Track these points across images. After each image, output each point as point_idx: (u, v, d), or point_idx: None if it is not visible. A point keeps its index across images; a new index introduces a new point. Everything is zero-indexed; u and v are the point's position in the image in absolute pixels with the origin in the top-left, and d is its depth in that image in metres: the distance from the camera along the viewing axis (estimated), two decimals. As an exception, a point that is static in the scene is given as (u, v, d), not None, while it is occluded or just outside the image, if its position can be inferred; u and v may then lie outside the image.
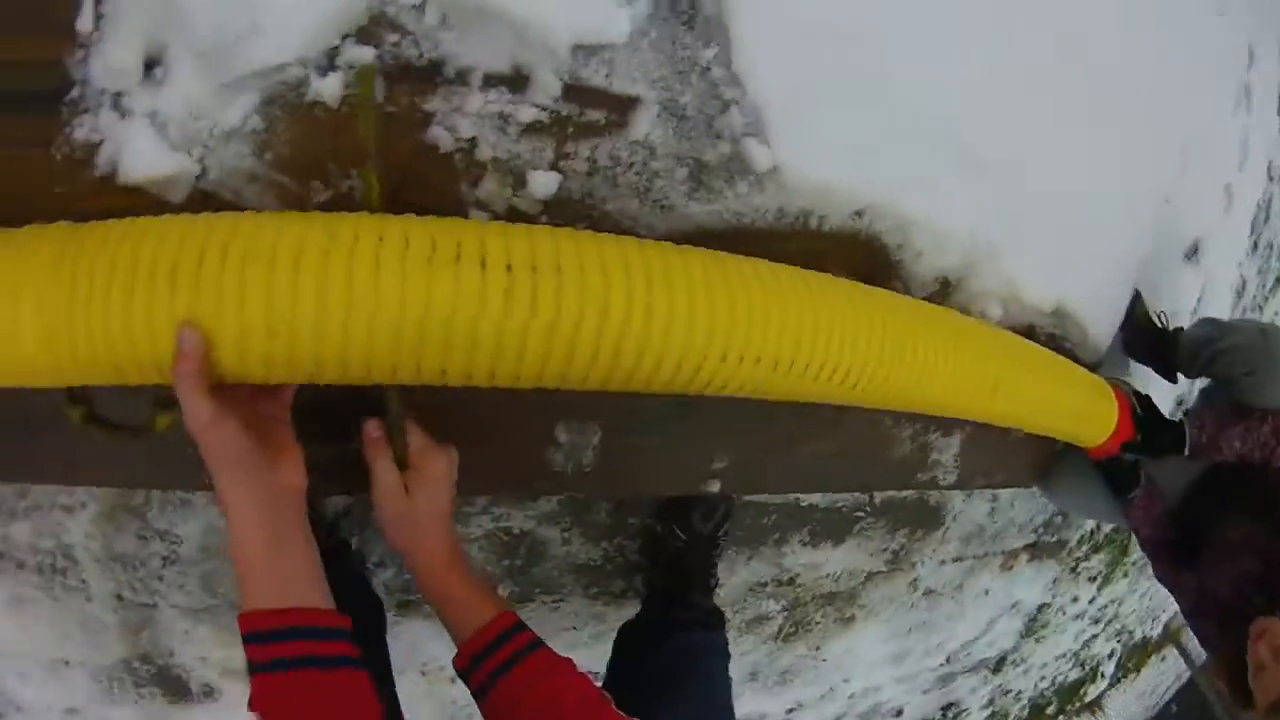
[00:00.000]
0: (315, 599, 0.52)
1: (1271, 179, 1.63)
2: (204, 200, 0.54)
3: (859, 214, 0.74)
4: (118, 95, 0.53)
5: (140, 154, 0.53)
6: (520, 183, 0.59)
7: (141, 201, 0.53)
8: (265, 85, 0.53)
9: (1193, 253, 1.27)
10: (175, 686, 1.33)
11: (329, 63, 0.54)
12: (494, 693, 0.60)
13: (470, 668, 0.61)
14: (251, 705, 0.50)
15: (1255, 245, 1.72)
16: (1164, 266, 1.12)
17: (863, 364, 0.63)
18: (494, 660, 0.60)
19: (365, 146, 0.51)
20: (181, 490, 0.76)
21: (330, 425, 0.59)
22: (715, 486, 0.80)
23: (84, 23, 0.50)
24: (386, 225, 0.47)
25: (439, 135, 0.56)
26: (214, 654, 1.27)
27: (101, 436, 0.63)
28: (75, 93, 0.52)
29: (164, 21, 0.51)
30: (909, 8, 0.68)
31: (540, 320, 0.48)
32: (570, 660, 0.62)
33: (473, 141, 0.57)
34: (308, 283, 0.45)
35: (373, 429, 0.59)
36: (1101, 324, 1.02)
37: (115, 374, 0.49)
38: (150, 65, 0.53)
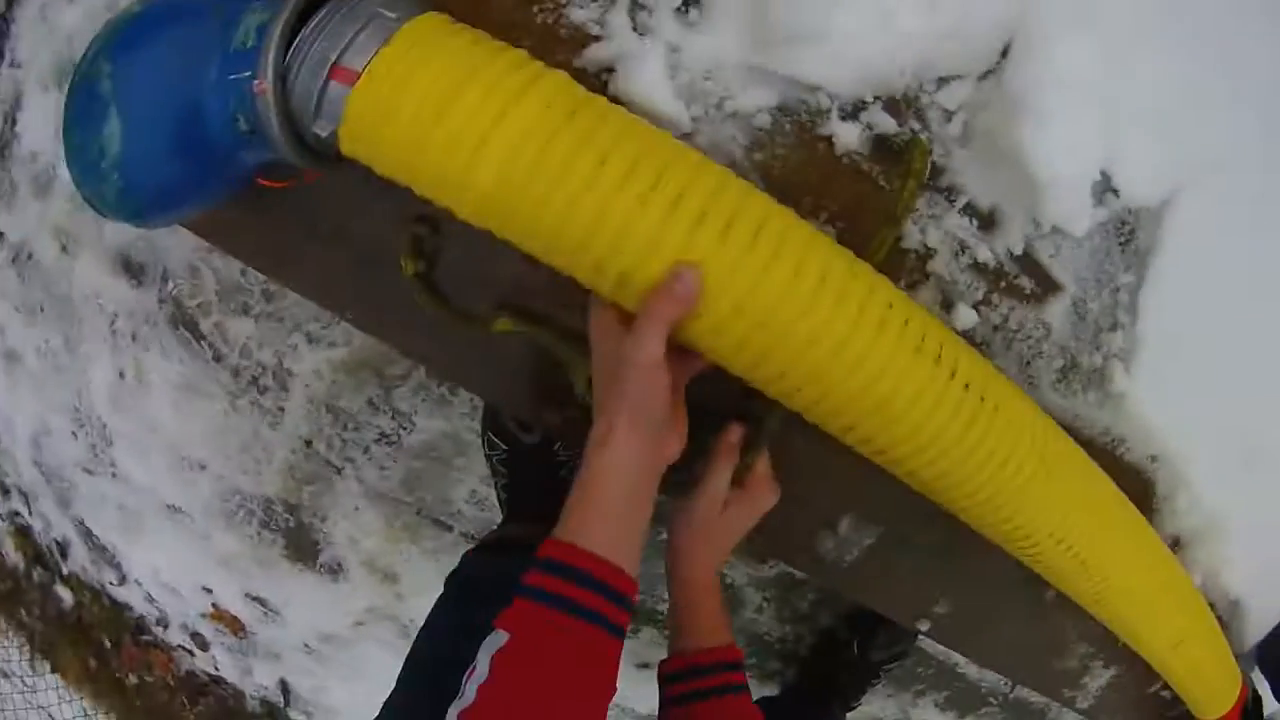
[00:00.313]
0: (633, 567, 0.52)
1: None
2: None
3: (1153, 459, 0.80)
4: (641, 6, 0.54)
5: (642, 77, 0.53)
6: (948, 306, 0.63)
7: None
8: (788, 94, 0.56)
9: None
10: (304, 547, 1.33)
11: (853, 112, 0.57)
12: (685, 711, 0.61)
13: (677, 676, 0.62)
14: (504, 623, 0.49)
15: None
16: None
17: (1113, 574, 0.69)
18: (706, 682, 0.62)
19: (900, 210, 0.56)
20: (471, 391, 0.79)
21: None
22: (925, 626, 0.84)
23: None
24: (896, 297, 0.51)
25: (908, 230, 0.60)
26: (367, 542, 1.28)
27: (425, 299, 0.66)
28: None
29: None
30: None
31: (962, 445, 0.53)
32: (763, 716, 0.63)
33: (930, 251, 0.61)
34: (821, 305, 0.48)
35: (735, 435, 0.61)
36: (1258, 628, 1.07)
37: (550, 252, 0.50)
38: (689, 2, 0.53)
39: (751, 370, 0.51)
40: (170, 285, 1.13)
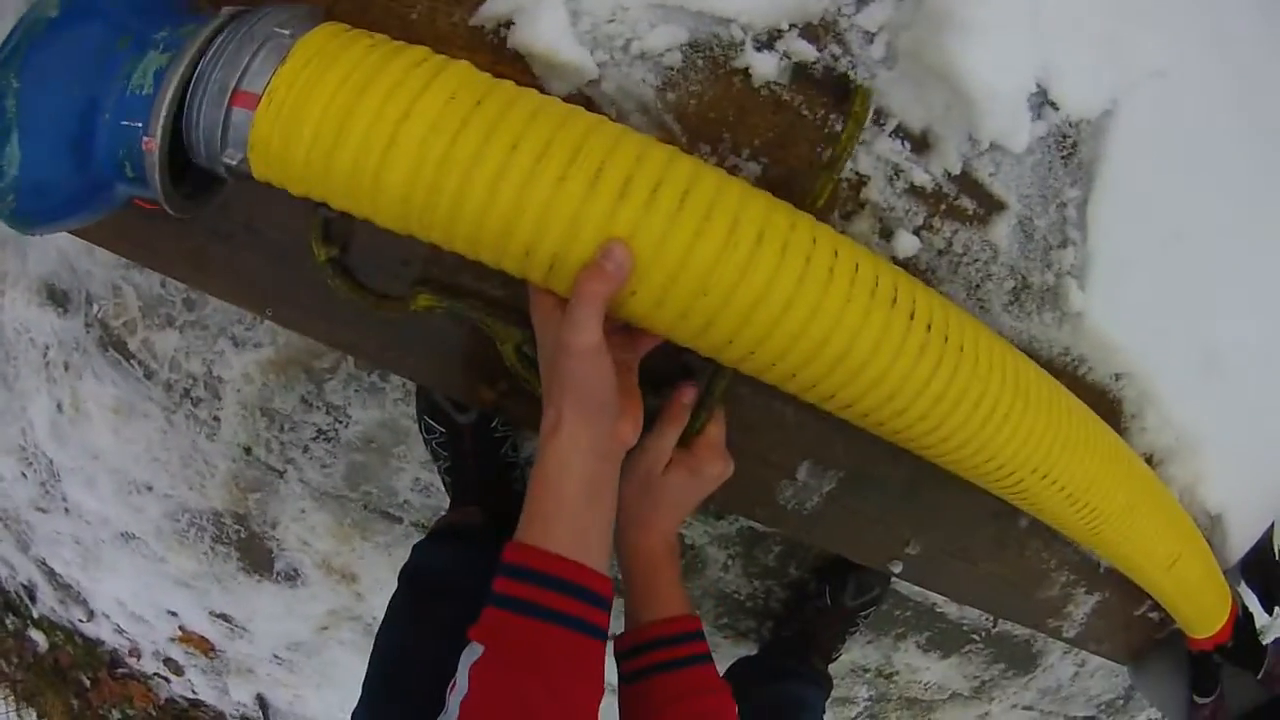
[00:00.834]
0: (601, 562, 0.50)
1: None
2: (583, 105, 0.52)
3: (1117, 377, 0.79)
4: None
5: (543, 29, 0.50)
6: (887, 234, 0.61)
7: (515, 74, 0.51)
8: (699, 28, 0.53)
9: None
10: (258, 557, 1.32)
11: (768, 41, 0.54)
12: (644, 685, 0.59)
13: (633, 652, 0.60)
14: (477, 634, 0.48)
15: None
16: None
17: (1101, 502, 0.68)
18: (663, 654, 0.59)
19: (839, 155, 0.54)
20: (401, 375, 0.76)
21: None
22: (898, 569, 0.83)
23: None
24: (841, 243, 0.49)
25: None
26: (320, 544, 1.26)
27: (339, 284, 0.64)
28: None
29: None
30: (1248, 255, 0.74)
31: (931, 389, 0.52)
32: (729, 686, 0.61)
33: (863, 179, 0.59)
34: (762, 264, 0.46)
35: (687, 396, 0.59)
36: (1240, 541, 1.08)
37: (475, 246, 0.48)
38: None
39: (698, 339, 0.50)
40: (95, 308, 1.11)
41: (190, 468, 1.22)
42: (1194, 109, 0.64)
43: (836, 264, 0.48)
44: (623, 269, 0.44)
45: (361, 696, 0.72)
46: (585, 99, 0.54)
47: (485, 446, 0.98)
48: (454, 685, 0.47)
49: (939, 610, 1.39)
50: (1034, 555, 0.91)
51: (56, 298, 1.16)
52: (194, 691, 1.69)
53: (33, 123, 0.50)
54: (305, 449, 1.15)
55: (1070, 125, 0.63)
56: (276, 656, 1.52)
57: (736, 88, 0.55)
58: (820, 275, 0.47)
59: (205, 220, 0.66)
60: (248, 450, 1.17)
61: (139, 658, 1.65)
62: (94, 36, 0.51)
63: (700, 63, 0.55)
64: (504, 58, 0.54)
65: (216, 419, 1.14)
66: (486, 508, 0.96)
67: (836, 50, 0.55)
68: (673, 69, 0.54)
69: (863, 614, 1.24)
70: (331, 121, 0.44)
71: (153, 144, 0.47)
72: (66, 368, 1.21)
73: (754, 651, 1.29)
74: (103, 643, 1.68)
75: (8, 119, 0.50)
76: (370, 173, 0.45)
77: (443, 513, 1.08)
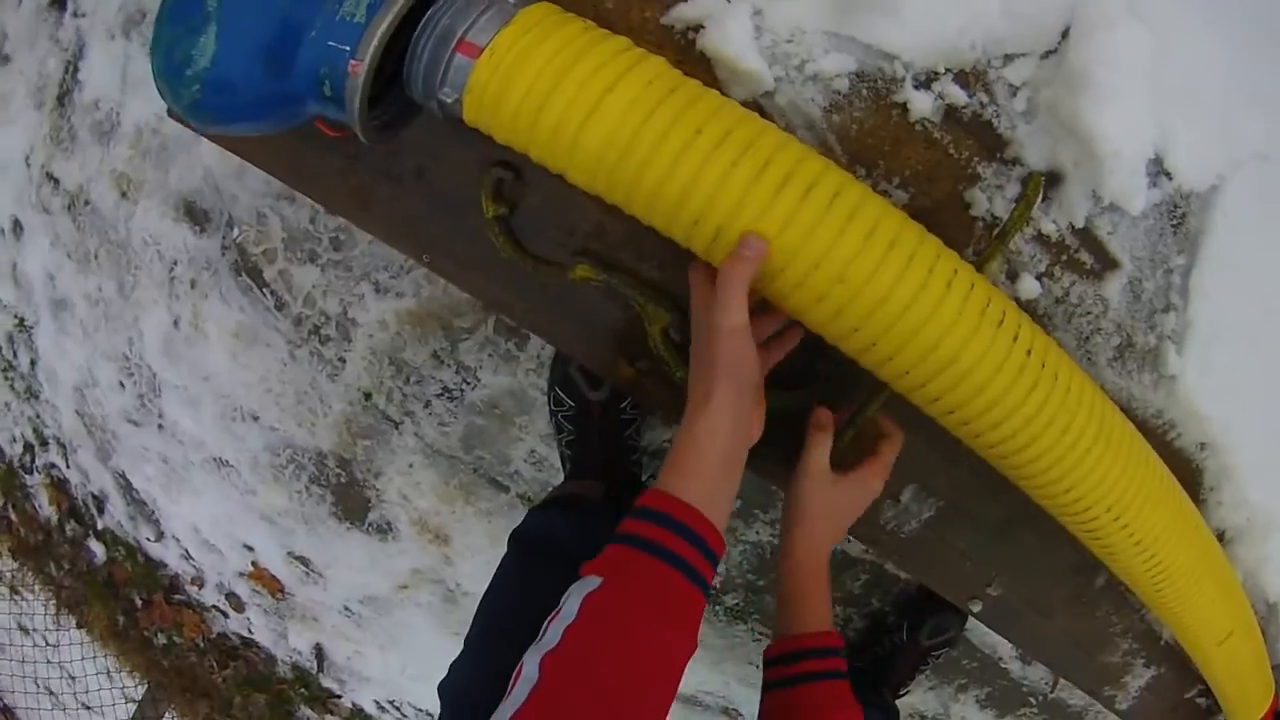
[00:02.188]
0: (722, 527, 0.57)
1: None
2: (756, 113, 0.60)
3: (1202, 446, 0.85)
4: None
5: (730, 37, 0.60)
6: (1013, 276, 0.70)
7: (698, 74, 0.60)
8: (866, 60, 0.63)
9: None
10: (353, 504, 1.37)
11: (926, 82, 0.64)
12: (787, 694, 0.66)
13: (781, 660, 0.67)
14: (597, 568, 0.53)
15: None
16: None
17: (1168, 558, 0.74)
18: (808, 666, 0.66)
19: (1009, 230, 0.65)
20: (546, 340, 0.84)
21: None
22: (977, 608, 0.90)
23: None
24: (961, 265, 0.58)
25: (976, 198, 0.67)
26: (421, 501, 1.31)
27: (503, 243, 0.72)
28: None
29: None
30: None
31: (1025, 409, 0.59)
32: (861, 706, 0.67)
33: (996, 220, 0.68)
34: (890, 266, 0.55)
35: (824, 417, 0.69)
36: None
37: (651, 211, 0.57)
38: None
39: (830, 324, 0.58)
40: (235, 232, 1.19)
41: (303, 405, 1.29)
42: None
43: (955, 280, 0.57)
44: (759, 253, 0.53)
45: (464, 650, 0.79)
46: (758, 107, 0.65)
47: (612, 425, 1.06)
48: (557, 614, 0.51)
49: (1003, 666, 1.41)
50: (1104, 617, 0.96)
51: (195, 215, 1.24)
52: (250, 631, 1.77)
53: (234, 20, 0.55)
54: (427, 404, 1.21)
55: (1181, 196, 0.71)
56: (347, 608, 1.58)
57: (894, 120, 0.66)
58: (938, 287, 0.56)
59: (374, 161, 0.75)
60: (367, 396, 1.23)
61: (200, 587, 1.75)
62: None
63: (865, 92, 0.65)
64: (689, 57, 0.64)
65: (342, 360, 1.21)
66: (607, 483, 1.04)
67: (984, 99, 0.65)
68: (839, 93, 0.65)
69: (935, 654, 1.31)
70: (544, 83, 0.54)
71: (359, 68, 0.54)
72: (193, 285, 1.29)
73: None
74: (165, 566, 1.77)
75: (208, 10, 0.55)
76: (572, 132, 0.55)
77: (552, 487, 1.15)
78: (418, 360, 1.17)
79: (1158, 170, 0.68)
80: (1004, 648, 1.34)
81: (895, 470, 0.81)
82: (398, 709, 1.78)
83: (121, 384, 1.52)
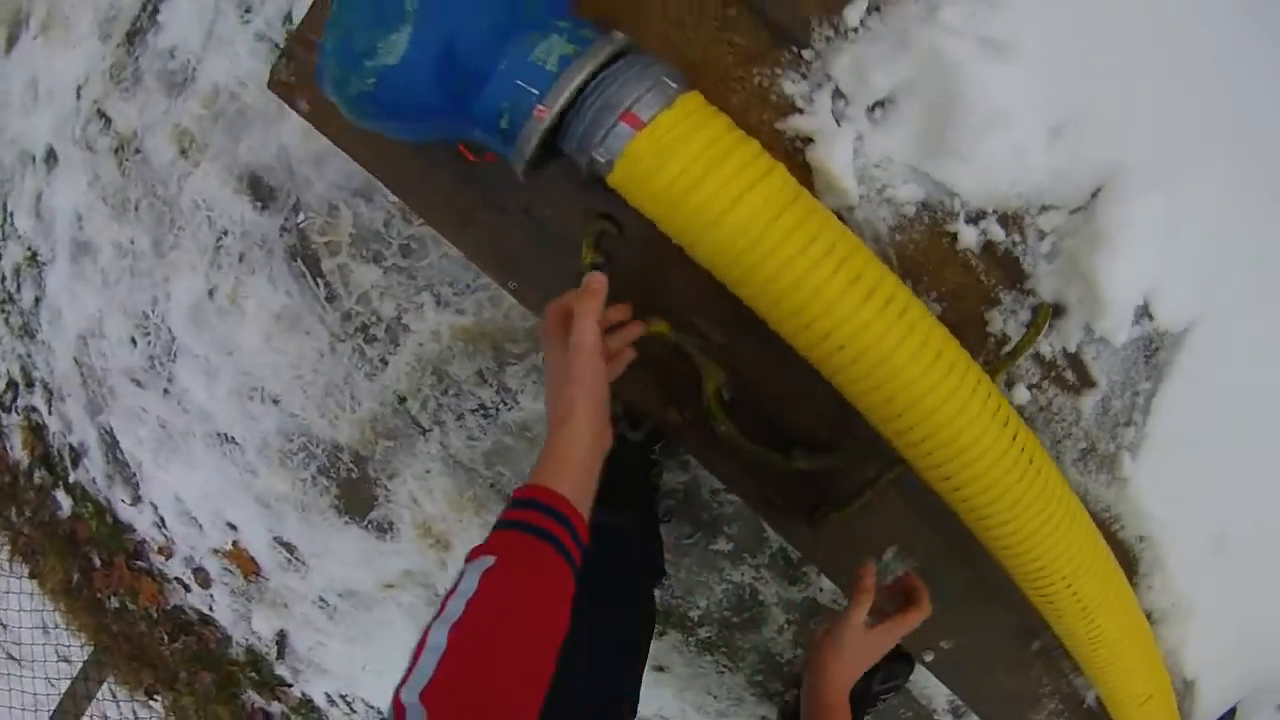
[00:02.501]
0: (586, 516, 0.67)
1: None
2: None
3: (1141, 539, 1.03)
4: (842, 99, 0.74)
5: (835, 154, 0.73)
6: (1010, 384, 0.85)
7: (798, 176, 0.69)
8: (933, 193, 0.77)
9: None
10: (358, 500, 1.40)
11: (975, 218, 0.79)
12: None
13: None
14: (491, 549, 0.60)
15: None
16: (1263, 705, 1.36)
17: (1105, 624, 0.89)
18: None
19: (1018, 351, 0.80)
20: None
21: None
22: (929, 658, 1.03)
23: (852, 15, 0.72)
24: (984, 378, 0.72)
25: (994, 318, 0.82)
26: (431, 506, 1.36)
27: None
28: (808, 54, 0.74)
29: (914, 72, 0.70)
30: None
31: (1013, 493, 0.74)
32: None
33: (1006, 338, 0.84)
34: (936, 371, 0.68)
35: (869, 577, 0.81)
36: (1205, 712, 1.26)
37: (758, 296, 0.69)
38: (881, 102, 0.73)
39: (879, 407, 0.71)
40: (300, 217, 1.22)
41: (331, 397, 1.33)
42: (1254, 343, 0.88)
43: (978, 386, 0.72)
44: (603, 289, 0.68)
45: None
46: (840, 217, 0.78)
47: (640, 464, 1.16)
48: (456, 589, 0.57)
49: (935, 717, 1.51)
50: (1036, 677, 1.11)
51: (260, 191, 1.25)
52: (210, 609, 1.77)
53: (432, 29, 0.57)
54: (460, 417, 1.27)
55: (1158, 334, 0.87)
56: (323, 600, 1.61)
57: (943, 245, 0.81)
58: (966, 391, 0.71)
59: (485, 188, 0.83)
60: (402, 399, 1.28)
61: (168, 557, 1.75)
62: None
63: (925, 219, 0.80)
64: (793, 162, 0.76)
65: (384, 361, 1.26)
66: (623, 514, 1.13)
67: (1017, 238, 0.81)
68: (906, 217, 0.80)
69: (882, 698, 1.43)
70: (696, 169, 0.64)
71: (545, 114, 0.59)
72: (241, 259, 1.31)
73: (771, 715, 1.45)
74: (134, 530, 1.77)
75: (407, 10, 0.56)
76: (713, 217, 0.66)
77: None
78: (462, 375, 1.23)
79: (1144, 313, 0.84)
80: (940, 700, 1.45)
81: (882, 532, 0.95)
82: (349, 703, 1.80)
83: (133, 341, 1.51)
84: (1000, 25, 0.69)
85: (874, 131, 0.76)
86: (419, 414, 1.30)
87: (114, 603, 1.89)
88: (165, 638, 1.85)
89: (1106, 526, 0.99)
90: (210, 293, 1.39)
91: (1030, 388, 0.88)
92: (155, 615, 1.86)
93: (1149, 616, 1.05)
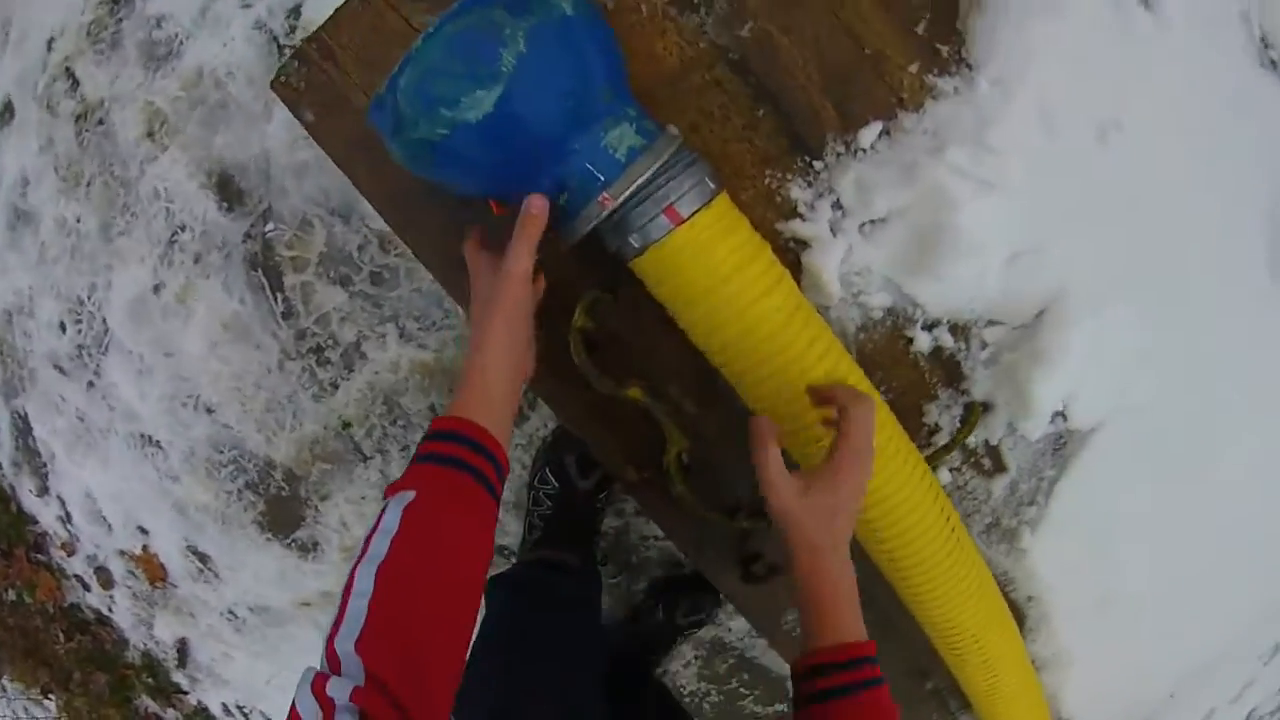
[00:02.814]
0: (506, 445, 0.64)
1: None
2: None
3: (1030, 599, 1.18)
4: (840, 211, 0.81)
5: (827, 260, 0.80)
6: (934, 467, 0.96)
7: (801, 280, 0.81)
8: (899, 301, 0.86)
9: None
10: (284, 519, 1.34)
11: (930, 326, 0.89)
12: (822, 709, 0.64)
13: (812, 674, 0.65)
14: (412, 483, 0.57)
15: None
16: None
17: (1004, 675, 1.04)
18: (842, 678, 0.64)
19: (954, 444, 0.91)
20: (576, 433, 0.94)
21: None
22: None
23: (866, 137, 0.79)
24: (932, 479, 0.86)
25: (930, 410, 0.93)
26: (358, 531, 1.30)
27: (578, 349, 0.83)
28: (819, 165, 0.81)
29: (912, 200, 0.81)
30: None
31: (942, 565, 0.87)
32: (898, 708, 0.67)
33: (937, 428, 0.96)
34: (901, 472, 0.81)
35: (762, 425, 0.69)
36: None
37: (758, 394, 0.78)
38: (874, 220, 0.80)
39: None
40: (269, 226, 1.15)
41: (272, 414, 1.27)
42: (1150, 444, 1.02)
43: (925, 477, 0.85)
44: (542, 218, 0.63)
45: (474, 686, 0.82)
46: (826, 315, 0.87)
47: (588, 511, 1.22)
48: (378, 528, 0.55)
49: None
50: (927, 713, 1.24)
51: (229, 191, 1.16)
52: (109, 610, 1.68)
53: (519, 94, 0.56)
54: (405, 448, 1.24)
55: (1068, 431, 1.01)
56: (231, 613, 1.54)
57: (899, 346, 0.91)
58: (919, 483, 0.84)
59: (489, 237, 0.79)
60: (346, 425, 1.24)
61: (70, 554, 1.65)
62: (591, 59, 0.60)
63: (889, 322, 0.90)
64: (785, 259, 0.82)
65: (335, 385, 1.21)
66: (570, 552, 1.19)
67: (963, 345, 0.93)
68: (872, 319, 0.90)
69: (687, 632, 1.46)
70: (725, 269, 0.70)
71: (609, 203, 0.61)
72: (196, 259, 1.21)
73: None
74: (37, 522, 1.66)
75: (501, 70, 0.55)
76: (733, 312, 0.72)
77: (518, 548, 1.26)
78: (414, 408, 1.21)
79: (1059, 414, 0.98)
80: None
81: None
82: (245, 715, 1.76)
83: (63, 326, 1.39)
84: (994, 167, 0.79)
85: (862, 244, 0.85)
86: (362, 440, 1.25)
87: (10, 595, 1.76)
88: (61, 635, 1.74)
89: (1001, 586, 1.12)
90: (156, 289, 1.28)
91: (951, 470, 1.01)
92: (52, 611, 1.74)
93: (1033, 663, 1.21)
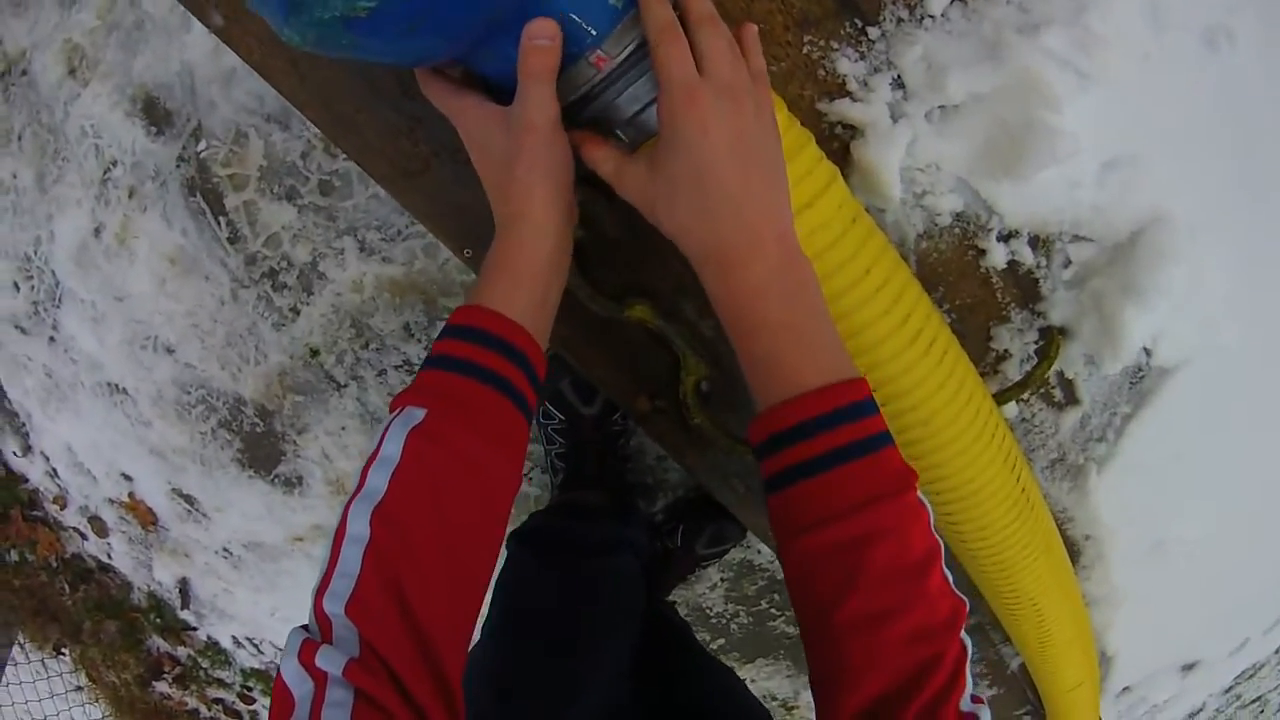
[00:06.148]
0: (545, 341, 0.46)
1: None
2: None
3: (1087, 537, 0.98)
4: (902, 91, 0.58)
5: (883, 152, 0.58)
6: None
7: (837, 163, 0.57)
8: (972, 205, 0.65)
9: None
10: (263, 455, 1.21)
11: (1006, 237, 0.67)
12: (795, 490, 0.40)
13: (777, 444, 0.40)
14: (422, 398, 0.42)
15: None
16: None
17: (1056, 633, 0.89)
18: (817, 444, 0.39)
19: (1029, 382, 0.71)
20: (573, 361, 0.74)
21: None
22: None
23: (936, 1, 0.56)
24: (999, 416, 0.66)
25: (1000, 335, 0.73)
26: (344, 463, 1.18)
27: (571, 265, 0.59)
28: (874, 33, 0.58)
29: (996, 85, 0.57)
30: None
31: (1008, 529, 0.69)
32: (915, 474, 0.41)
33: (1007, 354, 0.75)
34: (967, 412, 0.61)
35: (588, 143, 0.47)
36: (1116, 683, 1.32)
37: None
38: (943, 108, 0.58)
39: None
40: (201, 145, 0.96)
41: (234, 348, 1.11)
42: (1229, 392, 0.84)
43: (998, 432, 0.66)
44: (556, 39, 0.41)
45: (487, 640, 0.72)
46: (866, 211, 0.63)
47: (605, 437, 1.00)
48: (377, 456, 0.41)
49: None
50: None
51: (155, 114, 0.99)
52: (109, 557, 1.57)
53: None
54: (381, 373, 1.06)
55: (1148, 365, 0.80)
56: (226, 550, 1.44)
57: (967, 258, 0.69)
58: (987, 435, 0.64)
59: (443, 133, 0.61)
60: (314, 352, 1.07)
61: (63, 507, 1.52)
62: None
63: (957, 230, 0.67)
64: (831, 149, 0.60)
65: (295, 311, 1.03)
66: (600, 492, 1.00)
67: (1044, 261, 0.70)
68: (937, 226, 0.67)
69: (706, 561, 1.23)
70: None
71: (605, 63, 0.42)
72: (131, 194, 1.04)
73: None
74: (27, 480, 1.53)
75: None
76: None
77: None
78: (386, 329, 1.01)
79: (1144, 349, 0.77)
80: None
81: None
82: (256, 645, 1.66)
83: (16, 285, 1.24)
84: (1094, 57, 0.56)
85: (930, 134, 0.61)
86: (334, 368, 1.07)
87: (14, 556, 1.63)
88: (66, 587, 1.62)
89: (1059, 523, 0.94)
90: (96, 231, 1.11)
91: (1019, 401, 0.80)
92: (55, 565, 1.62)
93: (1084, 599, 1.04)
